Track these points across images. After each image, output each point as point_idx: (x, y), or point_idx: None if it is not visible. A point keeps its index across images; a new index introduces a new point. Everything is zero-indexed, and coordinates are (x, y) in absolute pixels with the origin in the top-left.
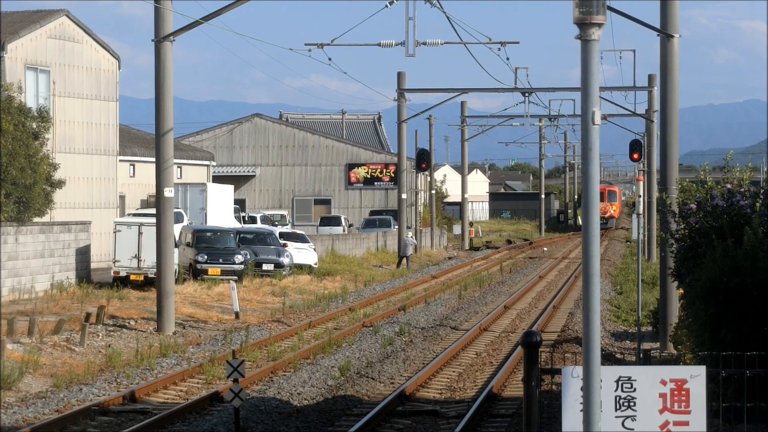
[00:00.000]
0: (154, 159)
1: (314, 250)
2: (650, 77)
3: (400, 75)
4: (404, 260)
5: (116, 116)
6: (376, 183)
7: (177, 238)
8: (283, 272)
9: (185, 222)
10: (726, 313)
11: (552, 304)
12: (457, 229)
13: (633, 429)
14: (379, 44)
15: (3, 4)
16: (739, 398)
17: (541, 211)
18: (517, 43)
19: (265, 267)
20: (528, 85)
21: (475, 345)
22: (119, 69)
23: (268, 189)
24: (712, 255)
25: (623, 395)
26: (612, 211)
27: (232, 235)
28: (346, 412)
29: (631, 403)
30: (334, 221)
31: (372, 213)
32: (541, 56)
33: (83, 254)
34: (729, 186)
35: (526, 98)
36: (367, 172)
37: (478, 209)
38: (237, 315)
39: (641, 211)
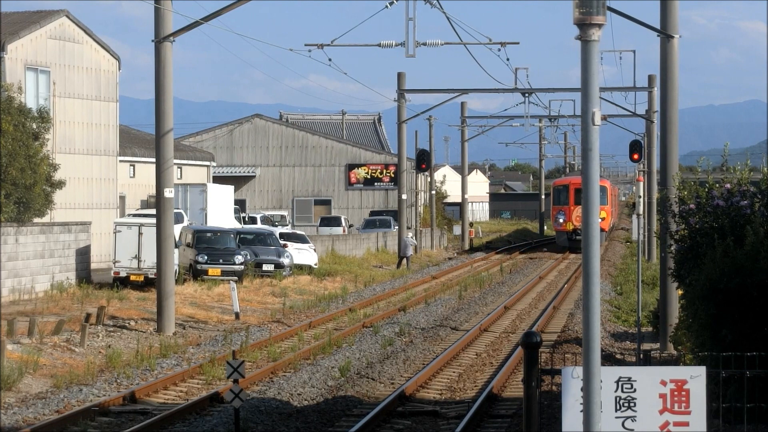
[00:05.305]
0: (154, 159)
1: (314, 250)
2: (650, 78)
3: (400, 75)
4: (404, 261)
5: (116, 117)
6: (376, 183)
7: (177, 239)
8: (284, 273)
9: (185, 222)
10: (726, 313)
11: (552, 304)
12: (457, 230)
13: (633, 429)
14: (379, 45)
15: (3, 4)
16: (739, 399)
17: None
18: (517, 43)
19: (265, 267)
20: (528, 85)
21: (475, 345)
22: (119, 69)
23: (268, 189)
24: (713, 255)
25: (623, 396)
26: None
27: (232, 235)
28: (346, 412)
29: (631, 404)
30: (334, 222)
31: (372, 213)
32: (541, 56)
33: (83, 255)
34: (728, 186)
35: (526, 99)
36: (367, 173)
37: (478, 210)
38: (237, 315)
39: (641, 212)
